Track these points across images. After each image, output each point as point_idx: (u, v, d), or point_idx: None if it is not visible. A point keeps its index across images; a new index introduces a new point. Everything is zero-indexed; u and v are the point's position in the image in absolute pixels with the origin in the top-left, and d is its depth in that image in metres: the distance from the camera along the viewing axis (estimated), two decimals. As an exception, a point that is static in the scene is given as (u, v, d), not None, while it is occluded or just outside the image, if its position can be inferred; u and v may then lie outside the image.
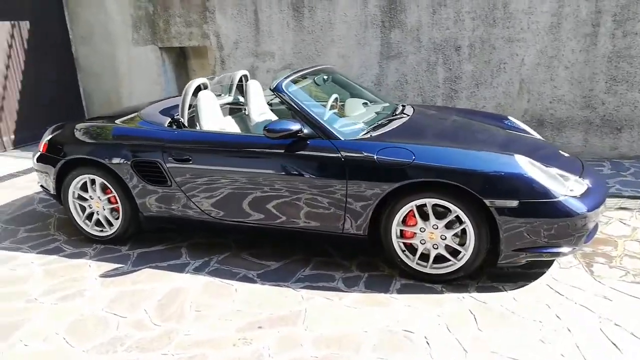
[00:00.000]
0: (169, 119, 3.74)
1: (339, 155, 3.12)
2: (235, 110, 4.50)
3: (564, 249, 2.98)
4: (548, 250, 2.96)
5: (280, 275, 3.30)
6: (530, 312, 2.78)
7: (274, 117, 4.40)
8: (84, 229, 3.90)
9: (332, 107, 3.71)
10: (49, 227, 4.25)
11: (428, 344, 2.56)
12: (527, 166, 2.92)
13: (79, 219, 3.90)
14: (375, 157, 3.06)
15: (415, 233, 3.09)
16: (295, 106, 3.31)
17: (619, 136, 5.46)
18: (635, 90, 5.29)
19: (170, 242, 3.86)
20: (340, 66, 6.30)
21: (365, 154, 3.09)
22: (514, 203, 2.84)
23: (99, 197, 3.79)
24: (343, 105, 3.96)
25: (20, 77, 7.20)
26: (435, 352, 2.49)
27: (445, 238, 3.03)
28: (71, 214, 3.91)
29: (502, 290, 3.02)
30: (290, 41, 6.56)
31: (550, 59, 5.50)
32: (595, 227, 3.25)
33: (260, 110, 4.38)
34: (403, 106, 4.05)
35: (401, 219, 3.09)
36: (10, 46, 7.08)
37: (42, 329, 2.83)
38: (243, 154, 3.37)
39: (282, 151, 3.26)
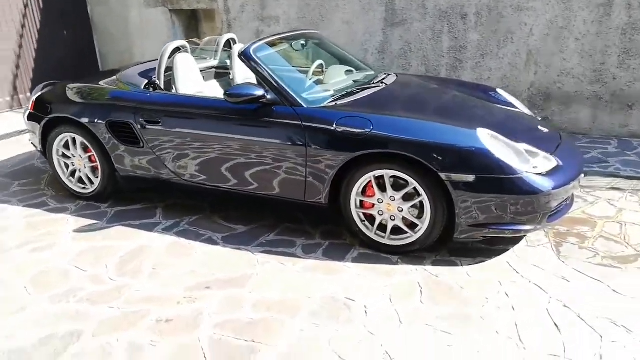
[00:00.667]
0: (146, 81, 3.78)
1: (300, 122, 3.09)
2: (222, 74, 4.50)
3: (526, 227, 2.89)
4: (509, 227, 2.88)
5: (243, 239, 3.34)
6: (479, 289, 2.74)
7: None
8: (68, 186, 4.04)
9: (314, 74, 3.67)
10: (41, 183, 4.42)
11: (366, 313, 2.57)
12: (487, 140, 2.81)
13: (63, 176, 4.04)
14: (334, 126, 3.01)
15: (374, 204, 3.06)
16: (261, 72, 3.27)
17: (630, 113, 5.18)
18: (650, 65, 4.97)
19: (148, 201, 3.95)
20: (344, 33, 6.17)
21: (325, 122, 3.04)
22: (471, 178, 2.76)
23: (80, 155, 3.90)
24: (324, 72, 3.90)
25: (36, 37, 7.38)
26: (370, 322, 2.50)
27: (402, 210, 2.98)
28: (56, 171, 4.04)
29: (458, 265, 2.97)
30: (295, 5, 6.44)
31: (561, 30, 5.20)
32: (567, 206, 3.13)
33: (245, 74, 4.35)
34: (387, 74, 3.95)
35: (360, 189, 3.06)
36: (26, 6, 7.23)
37: (8, 277, 2.98)
38: (210, 118, 3.38)
39: (247, 117, 3.25)
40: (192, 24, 7.85)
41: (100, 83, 3.95)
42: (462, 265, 2.97)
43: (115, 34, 8.04)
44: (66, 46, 7.75)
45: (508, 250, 3.11)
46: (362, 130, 2.92)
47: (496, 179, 2.76)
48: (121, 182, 3.84)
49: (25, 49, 7.26)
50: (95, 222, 3.65)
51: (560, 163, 2.98)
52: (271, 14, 6.64)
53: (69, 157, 3.98)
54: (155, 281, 2.89)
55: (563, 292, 2.69)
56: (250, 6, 6.73)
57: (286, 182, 3.23)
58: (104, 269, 3.04)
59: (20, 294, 2.82)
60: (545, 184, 2.81)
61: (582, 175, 3.19)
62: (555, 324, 2.44)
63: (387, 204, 3.01)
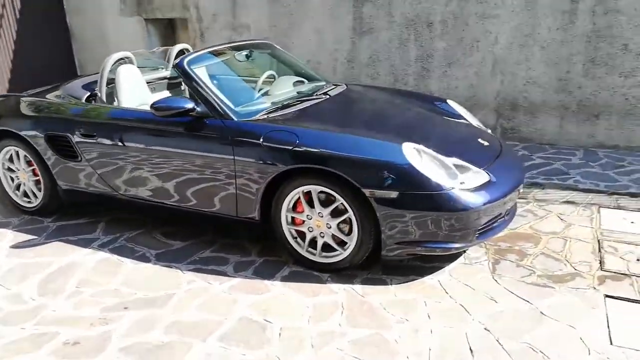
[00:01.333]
0: (89, 93, 3.73)
1: (229, 136, 3.03)
2: (175, 85, 4.45)
3: (456, 245, 2.81)
4: (438, 245, 2.79)
5: (177, 256, 3.27)
6: (402, 309, 2.65)
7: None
8: (14, 199, 4.00)
9: (265, 84, 3.63)
10: (-10, 196, 4.38)
11: (280, 335, 2.48)
12: (411, 155, 2.73)
13: (9, 190, 3.99)
14: (261, 140, 2.94)
15: (304, 220, 2.98)
16: (192, 83, 3.21)
17: (596, 123, 5.07)
18: (615, 74, 4.87)
19: (93, 216, 3.89)
20: (314, 41, 6.11)
21: (252, 136, 2.98)
22: (394, 194, 2.68)
23: (23, 169, 3.85)
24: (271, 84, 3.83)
25: (12, 47, 7.38)
26: (282, 344, 2.41)
27: (330, 227, 2.90)
28: (1, 184, 4.00)
29: (387, 284, 2.88)
30: (265, 14, 6.40)
31: (526, 38, 5.12)
32: (504, 221, 3.05)
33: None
34: (336, 85, 3.88)
35: (291, 205, 2.98)
36: (2, 16, 7.24)
37: None
38: (142, 132, 3.32)
39: (179, 130, 3.19)
40: (168, 33, 7.83)
41: (47, 96, 3.91)
42: (391, 284, 2.88)
43: (93, 43, 8.03)
44: (44, 55, 7.73)
45: (443, 268, 3.02)
46: (287, 147, 2.85)
47: (420, 195, 2.67)
48: (63, 196, 3.79)
49: (2, 59, 7.26)
50: (34, 237, 3.60)
51: (493, 178, 2.89)
52: (242, 23, 6.60)
53: (14, 171, 3.94)
54: (73, 300, 2.83)
55: (488, 313, 2.59)
56: (222, 15, 6.69)
57: (219, 198, 3.17)
58: (27, 287, 2.98)
59: (-64, 313, 2.77)
60: (472, 200, 2.72)
61: (520, 188, 3.11)
62: (470, 349, 2.35)
63: (316, 220, 2.93)
